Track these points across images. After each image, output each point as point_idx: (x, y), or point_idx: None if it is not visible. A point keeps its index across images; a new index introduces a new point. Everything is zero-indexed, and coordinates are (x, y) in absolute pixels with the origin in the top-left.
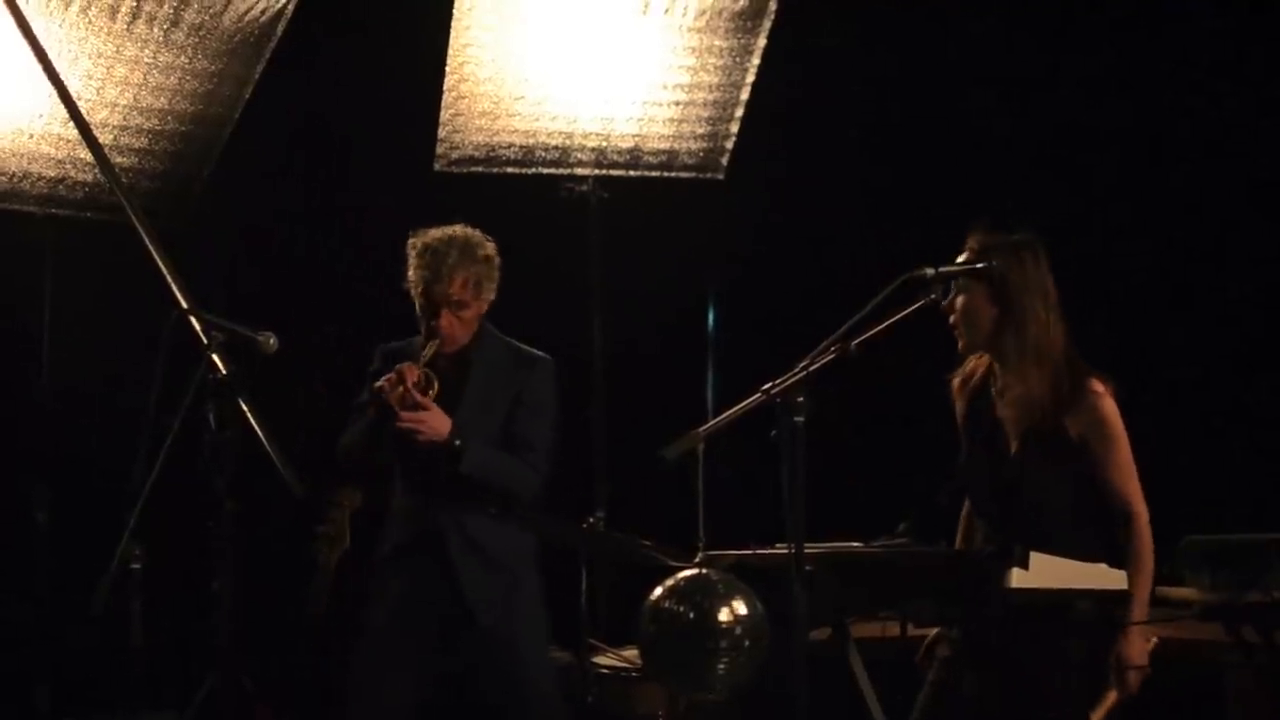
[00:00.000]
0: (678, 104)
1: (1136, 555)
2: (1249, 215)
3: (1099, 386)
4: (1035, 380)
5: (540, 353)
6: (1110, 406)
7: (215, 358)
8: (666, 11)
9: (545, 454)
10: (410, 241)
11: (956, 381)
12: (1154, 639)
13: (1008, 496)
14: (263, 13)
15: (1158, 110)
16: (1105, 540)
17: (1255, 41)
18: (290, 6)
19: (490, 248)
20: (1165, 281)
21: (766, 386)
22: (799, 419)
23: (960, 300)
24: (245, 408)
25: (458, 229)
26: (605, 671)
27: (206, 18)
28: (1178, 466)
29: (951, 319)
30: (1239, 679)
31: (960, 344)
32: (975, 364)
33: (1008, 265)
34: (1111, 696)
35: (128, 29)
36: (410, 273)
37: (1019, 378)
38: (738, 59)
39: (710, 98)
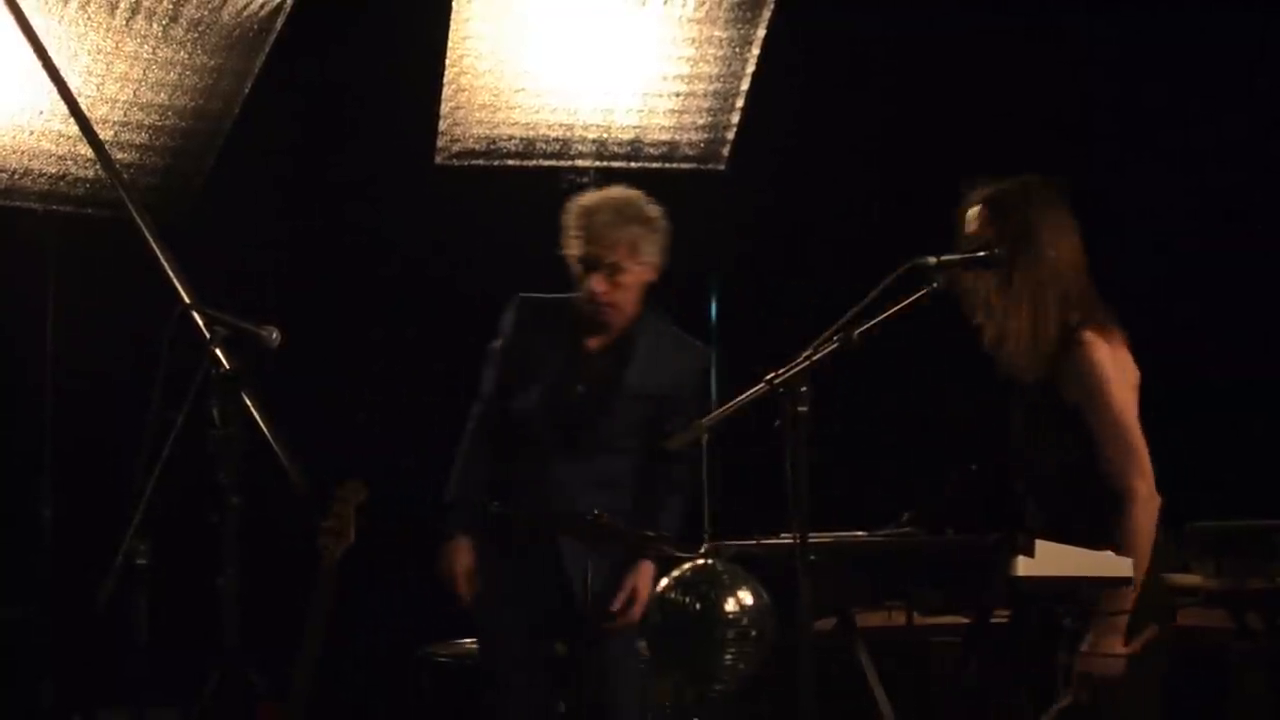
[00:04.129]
0: (678, 95)
1: (1126, 537)
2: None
3: (1092, 343)
4: (1037, 348)
5: (698, 341)
6: (1100, 368)
7: (218, 352)
8: (666, 2)
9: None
10: (567, 206)
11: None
12: (1150, 630)
13: (1029, 469)
14: (261, 7)
15: (1176, 90)
16: (1110, 521)
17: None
18: (289, 1)
19: (652, 210)
20: (1173, 263)
21: (769, 376)
22: (802, 408)
23: (976, 293)
24: (249, 402)
25: (616, 190)
26: None
27: (206, 13)
28: (1182, 451)
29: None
30: (1243, 665)
31: (986, 336)
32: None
33: (1024, 208)
34: (1063, 700)
35: (127, 25)
36: (567, 239)
37: (1023, 349)
38: (738, 49)
39: (711, 88)
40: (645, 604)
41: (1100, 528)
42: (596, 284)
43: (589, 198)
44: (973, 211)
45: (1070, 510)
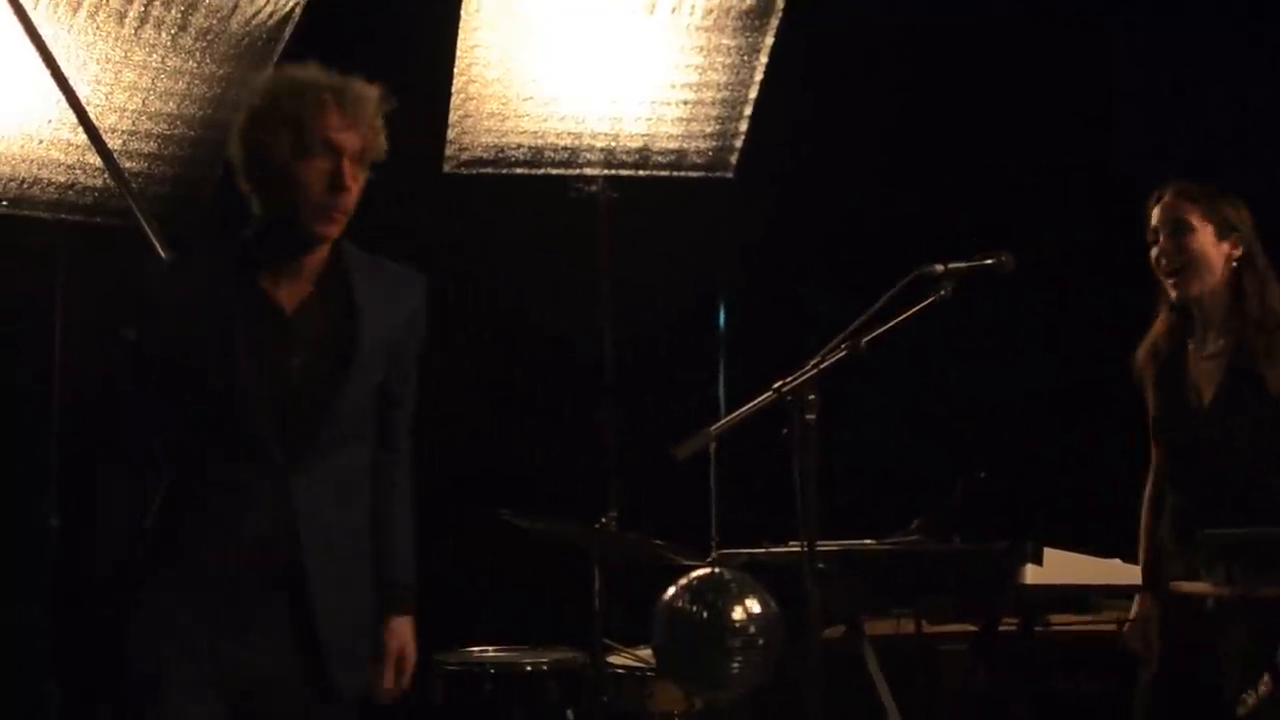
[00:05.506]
0: (686, 103)
1: None
2: None
3: None
4: (1252, 329)
5: (408, 268)
6: None
7: None
8: (674, 11)
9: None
10: (275, 77)
11: (1143, 353)
12: None
13: (1200, 457)
14: (270, 16)
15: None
16: None
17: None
18: (297, 10)
19: None
20: None
21: (777, 385)
22: (810, 416)
23: (1189, 240)
24: None
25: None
26: (620, 671)
27: (214, 22)
28: None
29: (1165, 262)
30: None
31: (1177, 292)
32: (1158, 332)
33: (1235, 215)
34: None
35: (135, 34)
36: (284, 118)
37: (1232, 326)
38: (746, 58)
39: (719, 97)
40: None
41: None
42: (348, 179)
43: (313, 71)
44: (1205, 235)
45: (1267, 483)
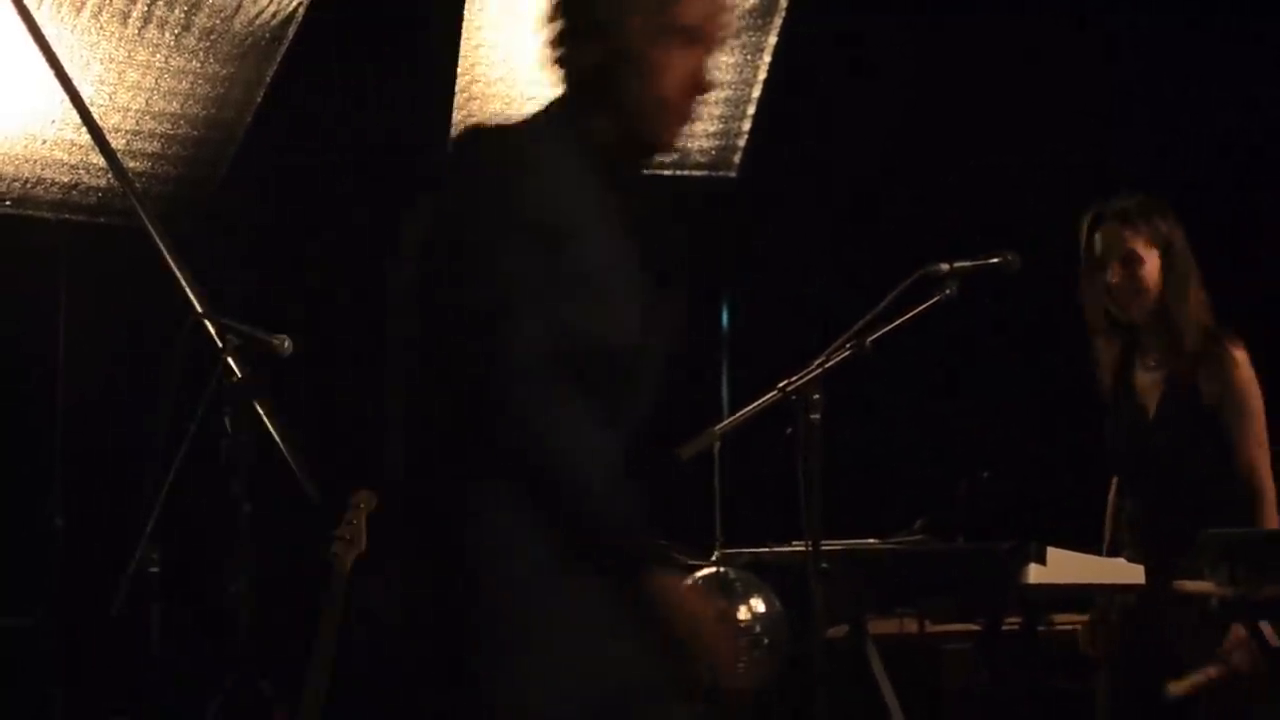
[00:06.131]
0: None
1: (1268, 524)
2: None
3: (1239, 353)
4: (1180, 344)
5: None
6: (1247, 374)
7: (230, 361)
8: None
9: None
10: None
11: (1105, 376)
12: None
13: (1148, 467)
14: (273, 16)
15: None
16: (1247, 515)
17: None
18: (301, 10)
19: None
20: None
21: (782, 384)
22: (815, 416)
23: (1142, 272)
24: (261, 411)
25: None
26: None
27: (217, 22)
28: None
29: (1120, 294)
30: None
31: (1126, 315)
32: (1112, 354)
33: (1171, 230)
34: (1211, 672)
35: (139, 34)
36: None
37: (1166, 343)
38: (749, 57)
39: (722, 96)
40: None
41: (1235, 519)
42: (710, 70)
43: None
44: (1151, 262)
45: (1209, 499)
